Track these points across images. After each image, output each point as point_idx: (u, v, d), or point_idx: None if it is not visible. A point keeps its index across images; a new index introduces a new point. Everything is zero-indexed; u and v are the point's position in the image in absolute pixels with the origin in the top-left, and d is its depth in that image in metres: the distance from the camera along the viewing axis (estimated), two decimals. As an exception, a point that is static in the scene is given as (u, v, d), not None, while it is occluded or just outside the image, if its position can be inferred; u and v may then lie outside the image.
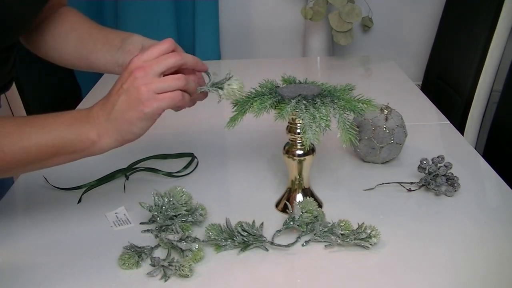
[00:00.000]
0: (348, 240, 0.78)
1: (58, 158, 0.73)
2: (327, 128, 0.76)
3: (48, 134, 0.71)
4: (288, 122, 0.81)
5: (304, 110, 0.77)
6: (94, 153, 0.73)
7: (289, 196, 0.88)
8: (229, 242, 0.78)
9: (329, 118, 0.77)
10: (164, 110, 0.72)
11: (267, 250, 0.78)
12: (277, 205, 0.89)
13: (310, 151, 0.84)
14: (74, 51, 0.92)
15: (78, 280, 0.73)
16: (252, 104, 0.78)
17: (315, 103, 0.78)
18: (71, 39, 0.92)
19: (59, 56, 0.94)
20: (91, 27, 0.92)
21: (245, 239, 0.78)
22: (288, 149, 0.84)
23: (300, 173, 0.85)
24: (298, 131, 0.81)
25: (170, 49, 0.73)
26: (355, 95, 0.83)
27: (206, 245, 0.78)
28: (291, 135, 0.82)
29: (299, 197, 0.87)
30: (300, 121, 0.77)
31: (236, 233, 0.79)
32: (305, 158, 0.84)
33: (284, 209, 0.87)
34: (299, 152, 0.84)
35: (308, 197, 0.84)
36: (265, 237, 0.79)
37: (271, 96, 0.79)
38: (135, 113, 0.70)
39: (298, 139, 0.82)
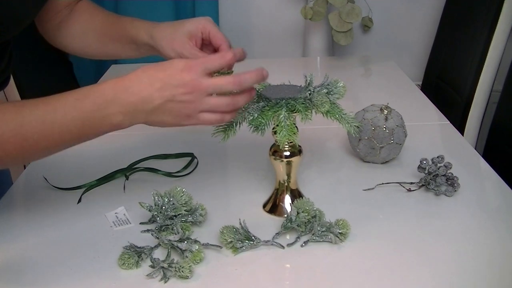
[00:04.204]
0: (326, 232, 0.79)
1: (82, 140, 0.73)
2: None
3: (73, 121, 0.70)
4: (275, 124, 0.80)
5: (285, 111, 0.77)
6: (116, 130, 0.73)
7: (276, 197, 0.88)
8: (245, 243, 0.78)
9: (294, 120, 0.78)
10: None
11: (267, 250, 0.78)
12: (264, 206, 0.89)
13: (297, 152, 0.84)
14: (98, 52, 0.97)
15: (78, 280, 0.73)
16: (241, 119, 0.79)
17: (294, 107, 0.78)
18: (90, 39, 0.96)
19: (86, 54, 0.99)
20: (106, 24, 0.95)
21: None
22: (275, 150, 0.84)
23: (288, 175, 0.85)
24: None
25: (232, 64, 0.74)
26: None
27: (207, 246, 0.78)
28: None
29: (287, 198, 0.87)
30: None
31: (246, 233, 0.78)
32: (292, 160, 0.83)
33: (271, 211, 0.87)
34: (286, 153, 0.83)
35: (296, 198, 0.84)
36: (259, 239, 0.79)
37: (257, 106, 0.79)
38: (172, 120, 0.72)
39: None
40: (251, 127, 0.77)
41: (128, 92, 0.70)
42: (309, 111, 0.79)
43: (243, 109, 0.78)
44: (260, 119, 0.76)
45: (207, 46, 0.89)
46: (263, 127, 0.76)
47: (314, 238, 0.79)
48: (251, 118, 0.77)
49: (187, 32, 0.86)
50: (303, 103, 0.79)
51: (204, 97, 0.70)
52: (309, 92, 0.80)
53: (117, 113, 0.70)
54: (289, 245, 0.79)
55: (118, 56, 0.96)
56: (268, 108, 0.78)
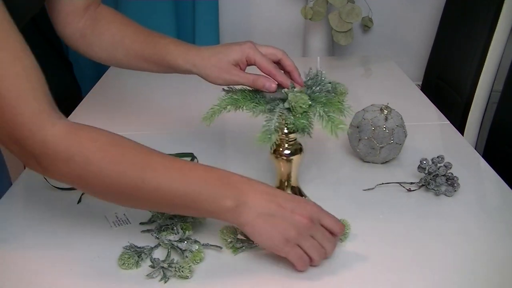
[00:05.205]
0: None
1: (184, 210, 0.74)
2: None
3: (188, 185, 0.70)
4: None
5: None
6: (218, 218, 0.72)
7: None
8: (245, 243, 0.78)
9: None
10: None
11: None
12: None
13: (298, 150, 0.84)
14: (129, 67, 0.97)
15: (78, 280, 0.73)
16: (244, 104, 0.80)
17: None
18: (120, 54, 0.95)
19: (114, 65, 0.99)
20: (137, 43, 0.94)
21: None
22: (276, 149, 0.84)
23: (289, 173, 0.85)
24: (286, 131, 0.81)
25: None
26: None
27: (207, 246, 0.78)
28: (278, 134, 0.82)
29: None
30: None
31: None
32: (293, 158, 0.83)
33: None
34: (287, 152, 0.83)
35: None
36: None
37: (258, 103, 0.80)
38: (274, 234, 0.70)
39: (286, 138, 0.82)
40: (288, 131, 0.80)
41: (250, 184, 0.72)
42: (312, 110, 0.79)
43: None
44: (301, 120, 0.77)
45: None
46: (308, 128, 0.78)
47: (314, 238, 0.79)
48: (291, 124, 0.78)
49: (232, 61, 0.87)
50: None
51: (308, 236, 0.71)
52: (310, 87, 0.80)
53: (230, 197, 0.70)
54: (289, 245, 0.79)
55: (152, 72, 0.97)
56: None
